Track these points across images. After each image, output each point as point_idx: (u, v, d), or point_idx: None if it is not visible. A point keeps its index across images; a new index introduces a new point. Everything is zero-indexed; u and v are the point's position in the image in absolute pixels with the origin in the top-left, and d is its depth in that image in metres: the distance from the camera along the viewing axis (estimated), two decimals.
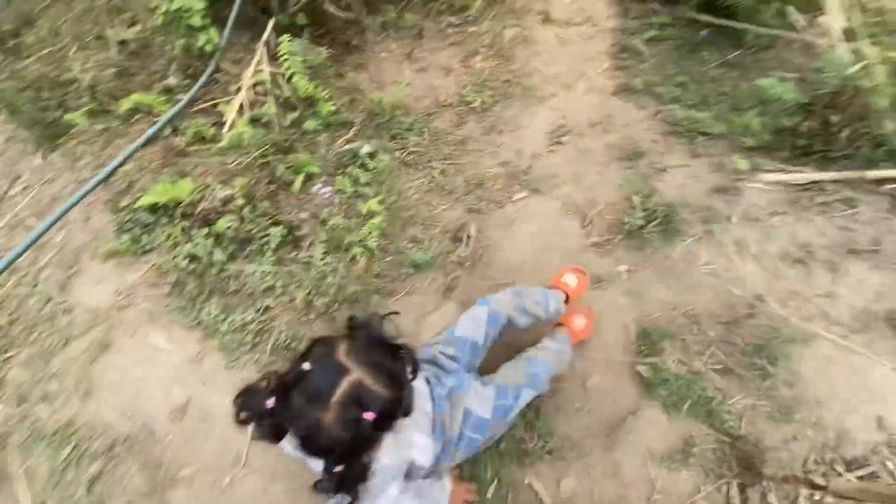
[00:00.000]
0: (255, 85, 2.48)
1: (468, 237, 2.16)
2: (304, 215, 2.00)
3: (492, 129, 2.74)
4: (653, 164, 2.44)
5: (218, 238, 1.77)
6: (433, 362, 1.21)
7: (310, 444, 0.80)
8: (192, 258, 1.71)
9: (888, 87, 1.96)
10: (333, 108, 2.57)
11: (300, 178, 2.19)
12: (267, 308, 1.70)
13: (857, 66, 1.92)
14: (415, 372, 0.89)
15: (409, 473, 0.93)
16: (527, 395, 1.26)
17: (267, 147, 2.28)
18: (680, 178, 2.36)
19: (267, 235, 1.84)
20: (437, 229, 2.19)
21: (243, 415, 0.85)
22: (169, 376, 1.53)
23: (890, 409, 1.57)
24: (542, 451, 1.53)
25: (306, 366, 0.81)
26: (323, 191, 2.01)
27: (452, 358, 1.20)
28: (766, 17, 3.30)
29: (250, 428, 0.84)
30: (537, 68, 3.21)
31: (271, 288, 1.75)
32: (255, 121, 2.40)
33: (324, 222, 2.01)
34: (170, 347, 1.55)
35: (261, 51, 2.58)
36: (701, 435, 1.57)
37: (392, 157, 2.46)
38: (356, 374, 0.79)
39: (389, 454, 0.88)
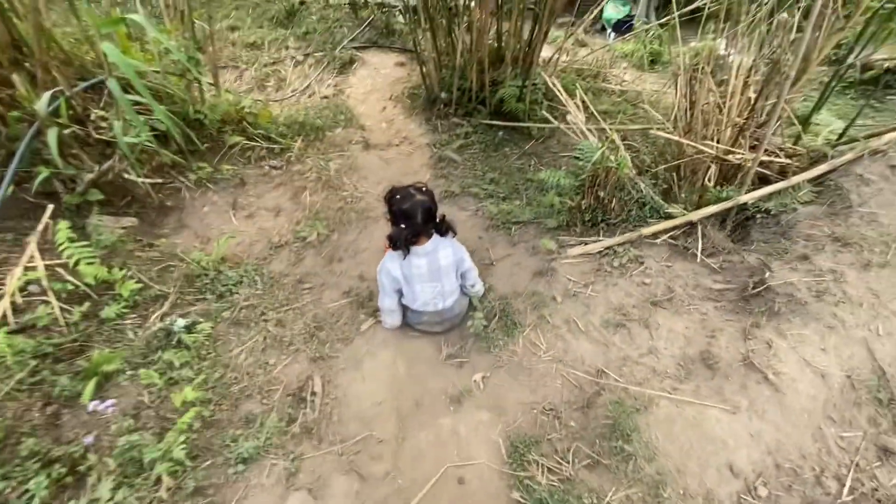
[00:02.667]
0: (25, 286, 2.03)
1: (313, 394, 1.88)
2: (90, 439, 1.54)
3: (331, 259, 2.60)
4: (482, 259, 2.50)
5: None
6: None
7: (427, 214, 1.71)
8: None
9: (626, 161, 2.30)
10: (138, 285, 2.20)
11: (91, 385, 1.74)
12: None
13: (600, 151, 2.23)
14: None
15: None
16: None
17: (41, 359, 1.81)
18: (507, 269, 2.42)
19: (27, 491, 1.35)
20: (278, 393, 1.87)
21: (399, 245, 1.78)
22: None
23: (733, 452, 1.60)
24: None
25: (398, 198, 1.74)
26: (104, 406, 1.59)
27: None
28: (540, 114, 3.90)
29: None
30: (367, 190, 3.25)
31: None
32: (27, 329, 1.92)
33: (114, 442, 1.56)
34: None
35: (32, 245, 2.16)
36: None
37: (215, 322, 2.13)
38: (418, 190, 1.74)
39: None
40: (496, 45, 3.75)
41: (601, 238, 2.43)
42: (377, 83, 4.78)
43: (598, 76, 4.83)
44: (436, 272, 1.87)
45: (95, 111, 2.61)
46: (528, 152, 3.78)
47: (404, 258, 1.81)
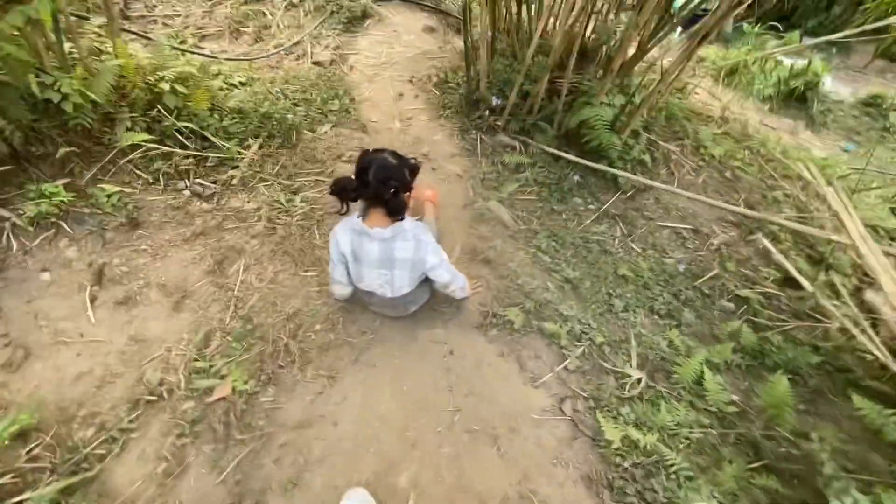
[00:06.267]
0: None
1: None
2: None
3: (243, 488, 1.12)
4: None
5: None
6: None
7: (381, 174, 1.25)
8: None
9: None
10: None
11: None
12: None
13: None
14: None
15: None
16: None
17: None
18: None
19: None
20: None
21: (340, 195, 1.31)
22: None
23: None
24: None
25: (367, 159, 1.28)
26: None
27: None
28: (635, 152, 2.26)
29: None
30: None
31: None
32: None
33: None
34: None
35: None
36: None
37: None
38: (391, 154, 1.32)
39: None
40: (580, 31, 2.05)
41: None
42: (395, 53, 3.04)
43: (683, 90, 3.14)
44: (387, 261, 1.40)
45: None
46: (608, 212, 2.21)
47: (359, 216, 1.35)
